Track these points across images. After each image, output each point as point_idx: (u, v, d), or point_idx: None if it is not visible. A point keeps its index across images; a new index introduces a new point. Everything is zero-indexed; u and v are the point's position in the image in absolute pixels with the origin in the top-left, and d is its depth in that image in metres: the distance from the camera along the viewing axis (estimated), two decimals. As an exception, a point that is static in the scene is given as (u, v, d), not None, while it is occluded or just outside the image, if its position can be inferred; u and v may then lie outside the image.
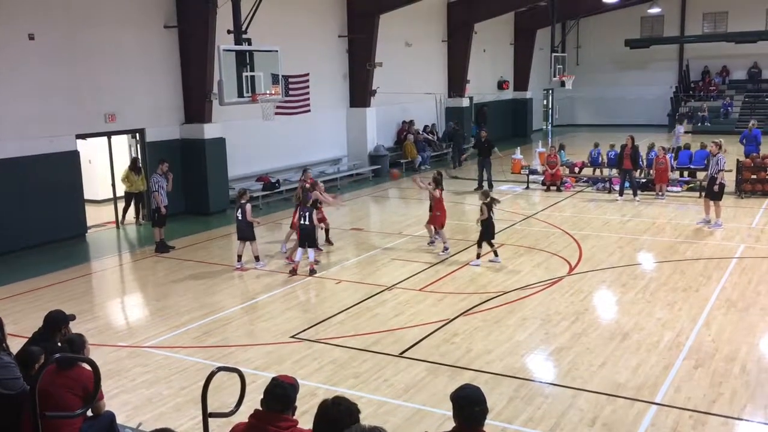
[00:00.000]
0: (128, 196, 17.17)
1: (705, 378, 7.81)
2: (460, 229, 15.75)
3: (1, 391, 5.24)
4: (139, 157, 17.39)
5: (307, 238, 12.26)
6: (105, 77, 15.93)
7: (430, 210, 13.91)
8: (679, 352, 8.55)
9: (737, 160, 19.17)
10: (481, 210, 12.64)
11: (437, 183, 13.56)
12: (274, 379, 4.28)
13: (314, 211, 12.46)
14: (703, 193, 16.22)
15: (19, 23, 14.13)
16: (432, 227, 13.86)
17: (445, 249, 13.45)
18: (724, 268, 12.09)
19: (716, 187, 15.05)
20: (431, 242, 14.06)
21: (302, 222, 12.25)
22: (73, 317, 6.55)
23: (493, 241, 12.82)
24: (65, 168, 15.19)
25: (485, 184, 20.48)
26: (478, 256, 12.72)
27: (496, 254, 12.81)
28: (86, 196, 16.17)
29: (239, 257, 12.92)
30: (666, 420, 6.93)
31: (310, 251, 12.40)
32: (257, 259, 12.98)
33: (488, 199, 12.66)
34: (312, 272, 12.32)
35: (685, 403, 7.24)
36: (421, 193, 17.88)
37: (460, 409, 4.05)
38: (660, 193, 18.69)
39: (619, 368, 8.13)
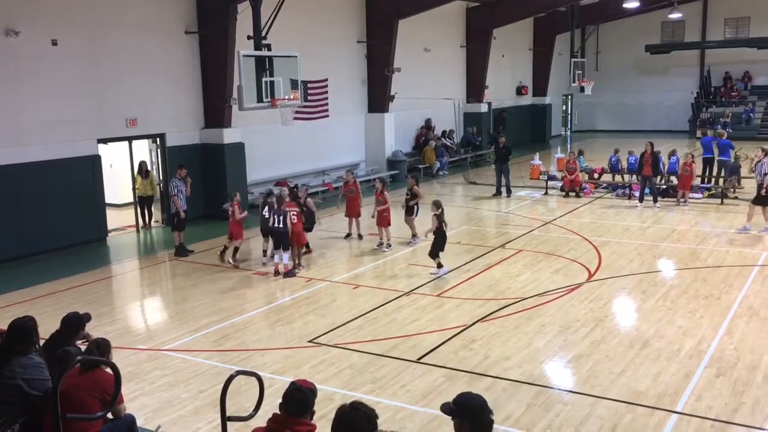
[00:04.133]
0: (140, 200, 17.29)
1: (727, 387, 7.71)
2: (479, 235, 15.71)
3: (29, 392, 5.30)
4: (153, 160, 17.53)
5: (281, 240, 12.63)
6: (126, 82, 16.10)
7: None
8: (700, 361, 8.45)
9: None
10: (432, 221, 12.40)
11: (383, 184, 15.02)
12: (292, 383, 4.29)
13: (287, 215, 12.69)
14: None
15: (42, 29, 14.32)
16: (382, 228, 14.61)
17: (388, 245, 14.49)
18: (747, 276, 11.95)
19: (764, 191, 14.97)
20: (381, 243, 14.58)
21: (276, 225, 12.61)
22: (88, 316, 6.56)
23: (441, 253, 12.44)
24: (87, 172, 15.37)
25: (503, 190, 20.47)
26: (439, 266, 12.38)
27: (438, 266, 12.41)
28: (107, 199, 16.34)
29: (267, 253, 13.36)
30: (687, 429, 6.84)
31: (285, 254, 12.71)
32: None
33: (439, 210, 12.34)
34: (287, 274, 12.61)
35: (707, 412, 7.16)
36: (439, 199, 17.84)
37: (474, 417, 3.78)
38: (682, 200, 18.51)
39: (639, 376, 8.05)
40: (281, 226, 12.60)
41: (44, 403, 5.20)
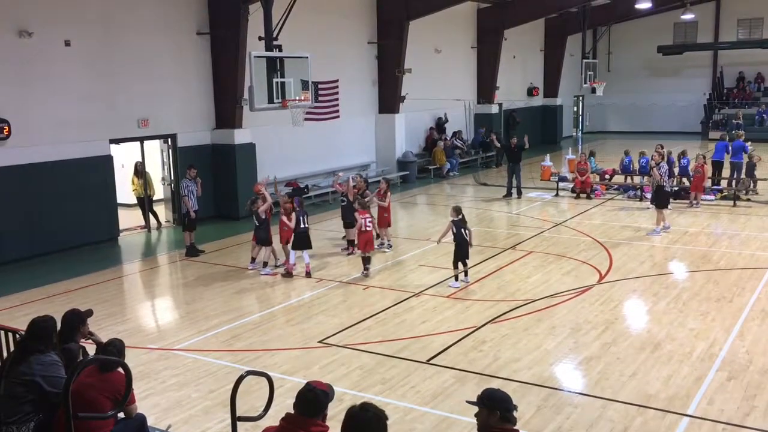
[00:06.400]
0: (139, 201, 17.32)
1: (738, 390, 7.67)
2: (490, 237, 15.68)
3: (47, 389, 5.36)
4: (165, 160, 17.58)
5: (303, 240, 12.63)
6: (138, 83, 16.19)
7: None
8: (712, 364, 8.40)
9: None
10: (448, 227, 11.93)
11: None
12: (307, 383, 4.29)
13: (307, 216, 12.80)
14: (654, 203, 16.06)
15: (55, 30, 14.43)
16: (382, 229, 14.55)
17: (389, 245, 14.52)
18: (759, 278, 11.86)
19: (661, 195, 15.38)
20: (382, 243, 14.51)
21: (301, 226, 12.60)
22: (89, 312, 6.54)
23: (467, 260, 11.97)
24: (99, 172, 15.46)
25: (514, 191, 20.42)
26: (456, 278, 11.84)
27: (464, 275, 11.96)
28: (119, 199, 16.43)
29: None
30: (698, 432, 6.81)
31: (305, 254, 12.71)
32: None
33: (459, 216, 11.77)
34: (308, 274, 12.62)
35: (718, 415, 7.11)
36: (448, 200, 17.87)
37: (502, 406, 4.10)
38: (695, 202, 18.41)
39: (650, 379, 8.01)
40: (304, 226, 12.61)
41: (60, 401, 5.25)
